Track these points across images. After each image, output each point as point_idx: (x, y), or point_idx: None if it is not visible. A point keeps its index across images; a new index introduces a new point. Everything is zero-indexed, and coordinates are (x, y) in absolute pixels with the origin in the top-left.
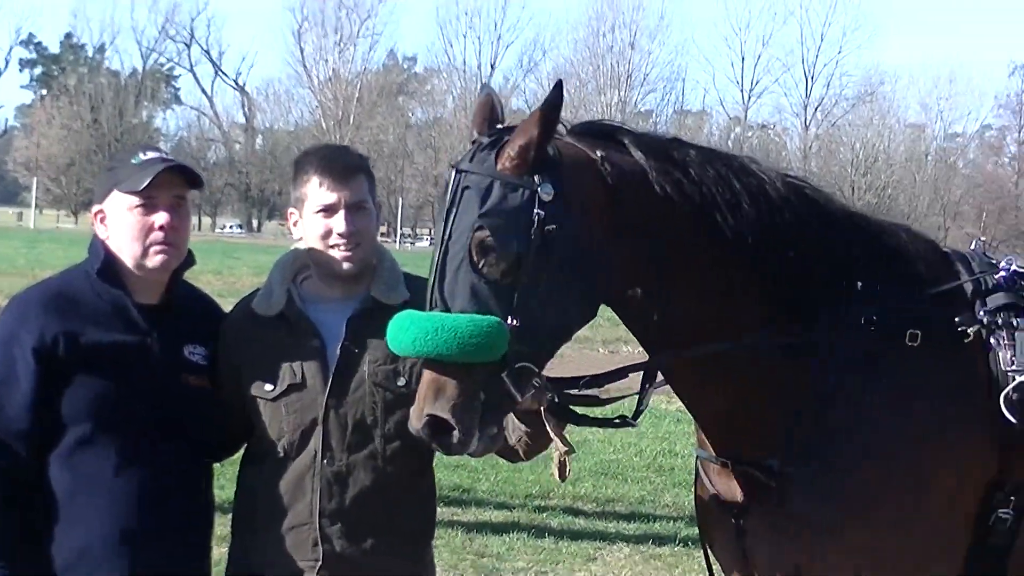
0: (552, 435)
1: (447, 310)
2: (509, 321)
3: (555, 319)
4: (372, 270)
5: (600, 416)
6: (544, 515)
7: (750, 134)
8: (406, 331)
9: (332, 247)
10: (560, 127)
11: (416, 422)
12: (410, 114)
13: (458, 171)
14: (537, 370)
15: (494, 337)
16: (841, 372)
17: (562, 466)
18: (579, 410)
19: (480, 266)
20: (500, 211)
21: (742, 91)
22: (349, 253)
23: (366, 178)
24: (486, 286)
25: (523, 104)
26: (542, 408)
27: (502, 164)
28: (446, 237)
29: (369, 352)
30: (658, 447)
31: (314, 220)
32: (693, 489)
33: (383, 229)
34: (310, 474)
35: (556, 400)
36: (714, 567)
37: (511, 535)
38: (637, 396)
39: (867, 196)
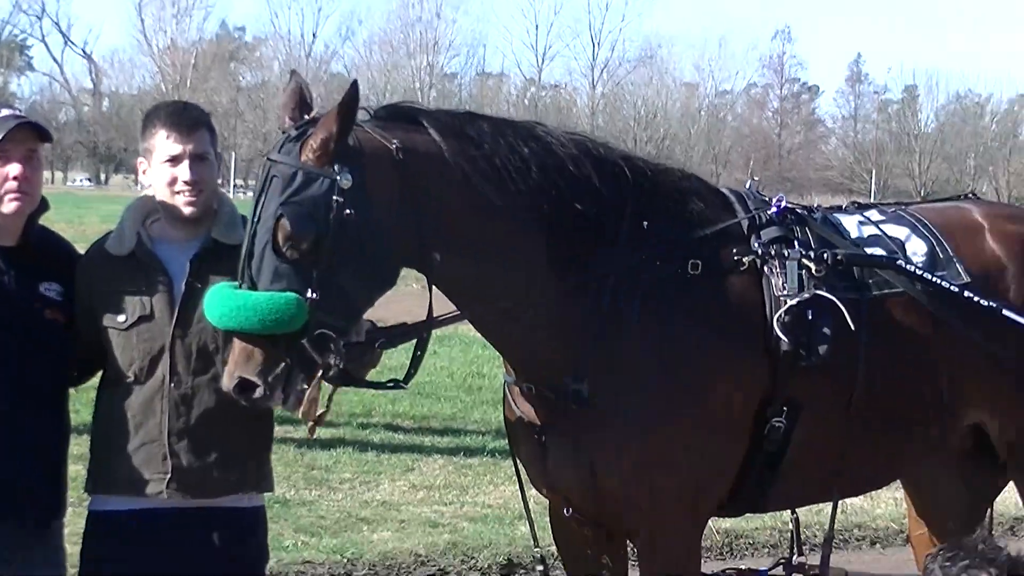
0: (318, 396)
1: (254, 287)
2: (309, 295)
3: (354, 291)
4: (213, 214)
5: (375, 380)
6: (367, 432)
7: (544, 93)
8: (216, 307)
9: (177, 193)
10: (363, 113)
11: (228, 382)
12: (241, 78)
13: (268, 160)
14: (335, 336)
15: (292, 313)
16: (630, 302)
17: (320, 418)
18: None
19: (282, 248)
20: (301, 199)
21: (536, 55)
22: (192, 199)
23: (208, 132)
24: (288, 266)
25: (342, 68)
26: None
27: (305, 155)
28: (255, 221)
29: (210, 287)
30: (467, 370)
31: (161, 169)
32: (502, 409)
33: (219, 180)
34: (159, 396)
35: (339, 366)
36: (522, 475)
37: (337, 450)
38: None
39: (648, 147)
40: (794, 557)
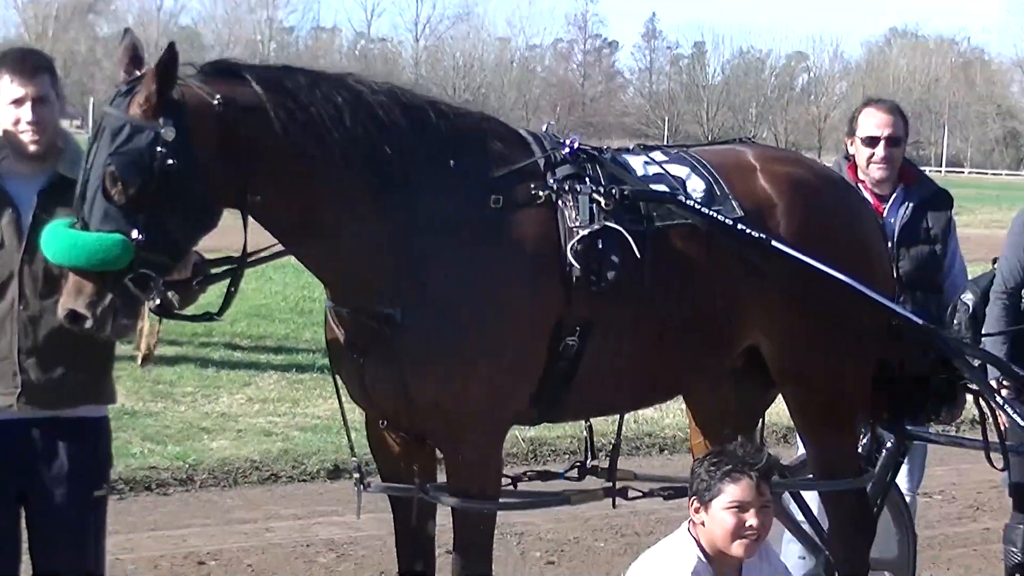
0: (148, 329)
1: (86, 227)
2: (135, 236)
3: (178, 233)
4: (59, 151)
5: (191, 313)
6: (207, 350)
7: (372, 46)
8: (51, 243)
9: (21, 132)
10: (191, 68)
11: (60, 312)
12: (98, 29)
13: (102, 112)
14: (155, 275)
15: (117, 253)
16: (438, 233)
17: (146, 356)
18: None
19: (111, 193)
20: (128, 149)
21: (365, 11)
22: (36, 138)
23: (49, 76)
24: (116, 209)
25: (190, 21)
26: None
27: (132, 109)
28: (88, 167)
29: (56, 218)
30: (300, 294)
31: (6, 110)
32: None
33: (78, 122)
34: (9, 318)
35: (158, 302)
36: (343, 393)
37: (181, 366)
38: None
39: (466, 95)
40: (587, 462)
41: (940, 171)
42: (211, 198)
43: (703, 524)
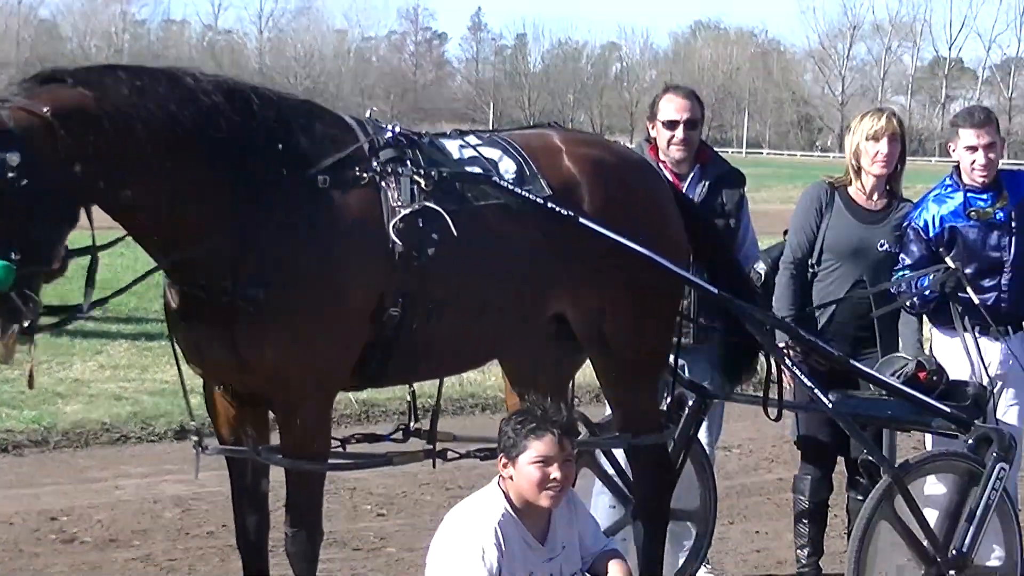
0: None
1: None
2: (13, 257)
3: (48, 238)
4: None
5: (63, 316)
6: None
7: (219, 38)
8: None
9: None
10: (16, 88)
11: None
12: None
13: None
14: (35, 291)
15: (2, 275)
16: (270, 212)
17: (31, 377)
18: None
19: None
20: None
21: (212, 4)
22: None
23: None
24: None
25: (49, 14)
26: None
27: None
28: None
29: None
30: (150, 266)
31: None
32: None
33: None
34: None
35: (30, 323)
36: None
37: (36, 336)
38: None
39: (306, 83)
40: (411, 424)
41: (741, 152)
42: (71, 200)
43: (511, 478)
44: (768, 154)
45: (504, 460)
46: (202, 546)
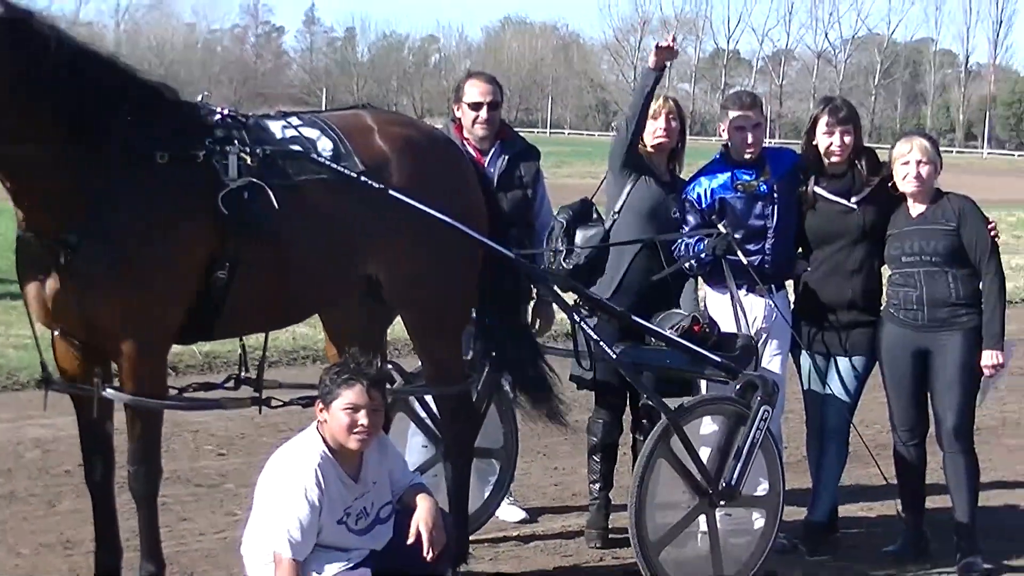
0: None
1: None
2: None
3: None
4: None
5: None
6: None
7: (81, 29)
8: None
9: None
10: None
11: None
12: None
13: None
14: None
15: None
16: (114, 180)
17: None
18: None
19: None
20: None
21: None
22: None
23: None
24: None
25: None
26: None
27: None
28: None
29: None
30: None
31: None
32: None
33: None
34: None
35: None
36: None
37: None
38: None
39: (160, 70)
40: (242, 373)
41: (546, 132)
42: None
43: (326, 423)
44: (569, 134)
45: (321, 406)
46: (60, 483)
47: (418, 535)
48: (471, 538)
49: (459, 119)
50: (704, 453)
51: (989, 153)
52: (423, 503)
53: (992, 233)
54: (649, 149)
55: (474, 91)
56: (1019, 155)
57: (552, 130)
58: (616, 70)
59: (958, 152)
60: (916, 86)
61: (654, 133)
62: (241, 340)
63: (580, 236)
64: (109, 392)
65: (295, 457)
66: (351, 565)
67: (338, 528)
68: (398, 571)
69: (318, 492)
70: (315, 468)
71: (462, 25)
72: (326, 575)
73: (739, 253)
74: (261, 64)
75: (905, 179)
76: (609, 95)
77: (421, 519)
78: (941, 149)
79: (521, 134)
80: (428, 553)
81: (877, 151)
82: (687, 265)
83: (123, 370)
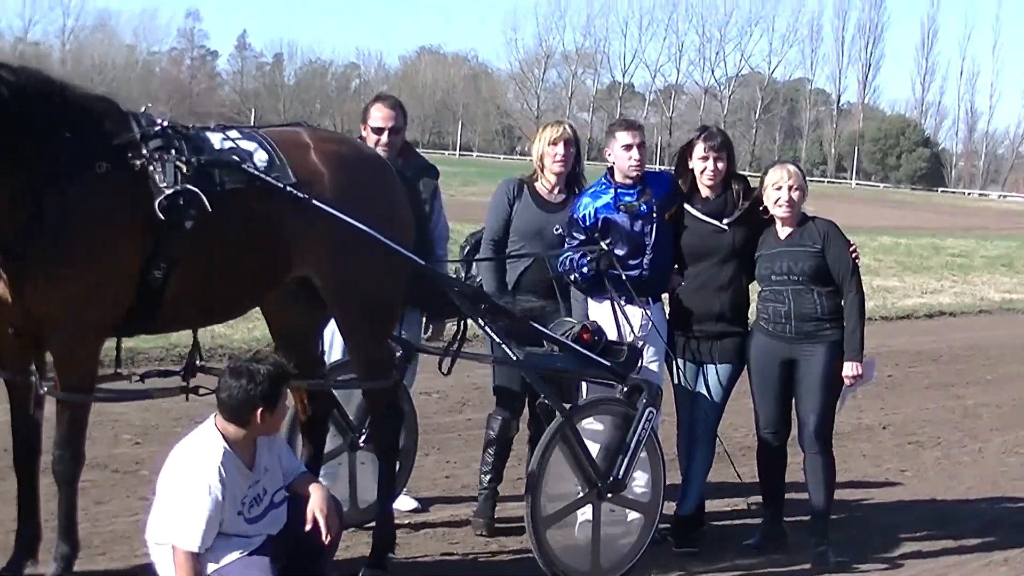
0: None
1: None
2: None
3: None
4: None
5: None
6: None
7: (28, 48)
8: None
9: None
10: None
11: None
12: None
13: None
14: None
15: None
16: (54, 190)
17: None
18: None
19: None
20: None
21: (23, 19)
22: None
23: None
24: None
25: None
26: None
27: None
28: None
29: None
30: None
31: None
32: None
33: None
34: None
35: None
36: None
37: None
38: None
39: (101, 88)
40: (196, 360)
41: (455, 154)
42: None
43: (261, 422)
44: (477, 156)
45: (261, 410)
46: None
47: (315, 521)
48: (364, 527)
49: (364, 139)
50: (594, 449)
51: (857, 184)
52: (316, 491)
53: (853, 255)
54: (551, 172)
55: (377, 115)
56: (884, 186)
57: (461, 152)
58: (521, 98)
59: (829, 182)
60: (793, 121)
61: (554, 157)
62: (194, 333)
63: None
64: (45, 390)
65: (198, 453)
66: (249, 551)
67: (237, 517)
68: (292, 555)
69: (221, 488)
70: (218, 465)
71: (381, 53)
72: (226, 563)
73: (619, 267)
74: (196, 85)
75: (777, 203)
76: (514, 121)
77: (316, 507)
78: (814, 180)
79: (432, 155)
80: (326, 538)
81: (750, 179)
82: (571, 278)
83: (59, 361)
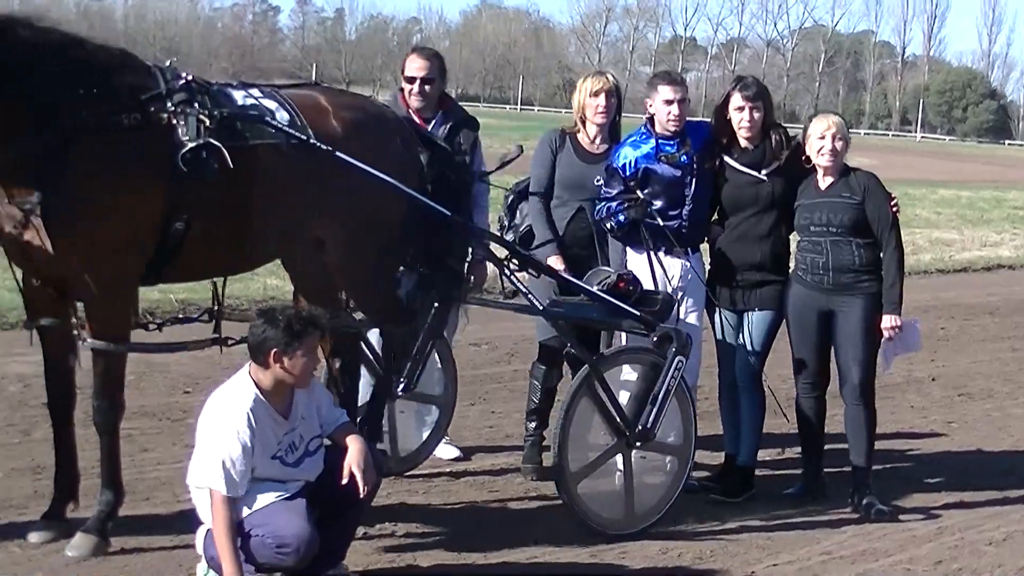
0: None
1: None
2: None
3: None
4: None
5: None
6: None
7: (91, 4)
8: None
9: None
10: None
11: None
12: None
13: None
14: None
15: None
16: (82, 142)
17: None
18: None
19: None
20: None
21: None
22: None
23: None
24: None
25: None
26: None
27: None
28: None
29: None
30: None
31: None
32: None
33: None
34: None
35: None
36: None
37: None
38: None
39: (163, 43)
40: (214, 307)
41: (516, 108)
42: None
43: (280, 366)
44: (538, 110)
45: (277, 353)
46: (36, 415)
47: (351, 475)
48: (408, 474)
49: (402, 89)
50: (623, 398)
51: (922, 137)
52: (354, 444)
53: (894, 208)
54: (593, 123)
55: (412, 66)
56: (949, 139)
57: (523, 107)
58: (582, 53)
59: (894, 136)
60: (857, 74)
61: (596, 109)
62: (214, 284)
63: (520, 212)
64: (87, 341)
65: (229, 401)
66: (288, 495)
67: (272, 462)
68: (329, 503)
69: (249, 434)
70: (248, 412)
71: (442, 8)
72: (261, 503)
73: (659, 218)
74: (257, 40)
75: (820, 152)
76: (575, 76)
77: (353, 460)
78: (878, 133)
79: (493, 109)
80: (362, 492)
81: (790, 130)
82: (607, 226)
83: (92, 312)
